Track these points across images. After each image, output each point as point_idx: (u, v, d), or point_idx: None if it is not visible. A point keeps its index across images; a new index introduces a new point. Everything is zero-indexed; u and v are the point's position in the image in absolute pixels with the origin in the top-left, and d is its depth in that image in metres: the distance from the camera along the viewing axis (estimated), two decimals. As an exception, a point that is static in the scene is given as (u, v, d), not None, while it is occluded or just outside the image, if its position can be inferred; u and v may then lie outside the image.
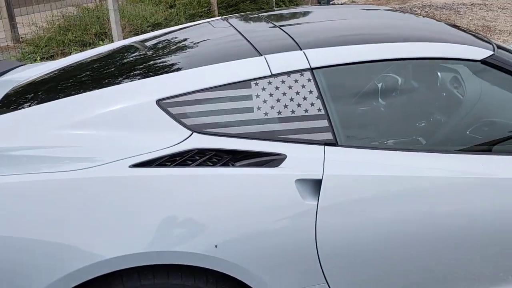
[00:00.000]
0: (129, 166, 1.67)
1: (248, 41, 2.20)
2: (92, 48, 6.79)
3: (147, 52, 2.50)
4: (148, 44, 2.65)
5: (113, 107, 1.84)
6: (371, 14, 2.86)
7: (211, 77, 1.92)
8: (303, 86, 1.91)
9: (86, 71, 2.41)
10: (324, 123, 1.88)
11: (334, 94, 1.95)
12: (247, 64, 1.96)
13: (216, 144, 1.81)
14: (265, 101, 1.88)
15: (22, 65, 2.95)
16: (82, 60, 2.70)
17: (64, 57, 6.88)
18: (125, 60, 2.48)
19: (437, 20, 2.83)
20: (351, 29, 2.34)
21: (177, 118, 1.83)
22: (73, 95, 1.97)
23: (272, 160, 1.81)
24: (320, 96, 1.90)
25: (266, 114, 1.87)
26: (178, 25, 7.52)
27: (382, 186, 1.79)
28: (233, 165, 1.78)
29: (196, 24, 2.97)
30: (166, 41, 2.64)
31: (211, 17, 8.15)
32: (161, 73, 2.03)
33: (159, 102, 1.85)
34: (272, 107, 1.87)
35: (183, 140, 1.80)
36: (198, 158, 1.77)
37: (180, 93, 1.87)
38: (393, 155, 1.87)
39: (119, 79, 2.11)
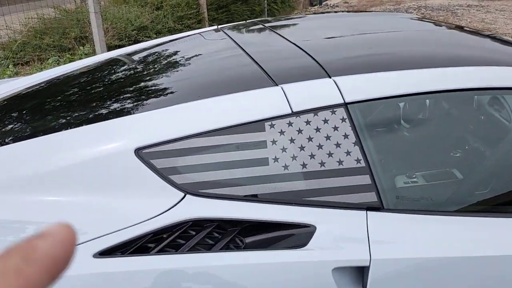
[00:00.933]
0: (93, 255, 1.14)
1: (256, 62, 1.69)
2: (71, 54, 6.23)
3: (128, 74, 1.97)
4: (129, 63, 2.12)
5: (73, 158, 1.31)
6: (408, 24, 2.33)
7: (208, 117, 1.40)
8: (335, 129, 1.40)
9: (45, 99, 1.87)
10: (365, 179, 1.37)
11: (379, 140, 1.45)
12: (258, 97, 1.44)
13: (217, 211, 1.30)
14: (284, 150, 1.37)
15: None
16: (48, 80, 2.16)
17: (41, 63, 6.30)
18: (97, 87, 1.94)
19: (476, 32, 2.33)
20: (396, 45, 1.83)
21: (164, 174, 1.32)
22: (20, 139, 1.43)
23: (296, 234, 1.30)
24: (359, 142, 1.39)
25: (285, 167, 1.36)
26: (165, 28, 6.98)
27: (458, 270, 1.29)
28: (241, 244, 1.27)
29: (188, 36, 2.43)
30: (151, 59, 2.11)
31: (200, 20, 7.61)
32: (143, 110, 1.50)
33: (139, 151, 1.33)
34: (293, 158, 1.36)
35: (173, 206, 1.28)
36: (194, 233, 1.26)
37: (169, 139, 1.35)
38: (466, 223, 1.37)
39: (85, 115, 1.57)
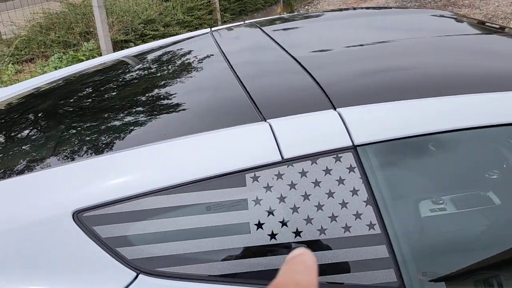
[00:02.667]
0: None
1: (242, 84, 1.33)
2: (75, 50, 5.94)
3: (81, 101, 1.63)
4: (84, 86, 1.77)
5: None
6: (448, 26, 1.88)
7: (170, 167, 1.06)
8: (341, 182, 1.04)
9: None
10: (381, 251, 1.01)
11: (400, 196, 1.09)
12: (238, 138, 1.09)
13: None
14: (271, 212, 1.02)
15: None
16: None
17: (46, 60, 6.04)
18: (39, 119, 1.58)
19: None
20: (435, 58, 1.43)
21: (110, 246, 0.98)
22: None
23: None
24: (372, 200, 1.03)
25: (272, 236, 1.01)
26: (173, 20, 6.59)
27: None
28: None
29: (173, 43, 2.07)
30: (117, 78, 1.76)
31: (211, 10, 7.23)
32: (86, 156, 1.16)
33: (78, 215, 1.00)
34: (283, 223, 1.01)
35: (119, 293, 0.95)
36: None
37: (117, 199, 1.01)
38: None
39: (14, 163, 1.24)
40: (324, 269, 1.00)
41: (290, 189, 1.03)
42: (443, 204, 1.14)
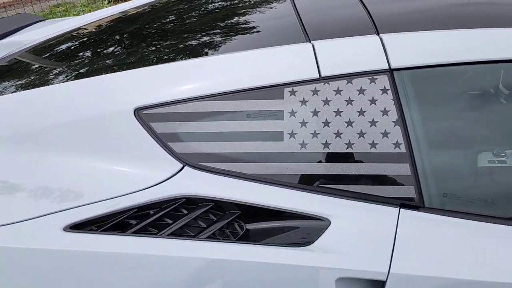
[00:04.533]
0: (63, 228, 1.03)
1: (297, 12, 1.40)
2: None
3: (138, 22, 1.79)
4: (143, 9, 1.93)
5: (66, 115, 1.19)
6: None
7: (219, 77, 1.18)
8: (373, 102, 1.11)
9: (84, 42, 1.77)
10: (404, 168, 1.08)
11: (430, 121, 1.13)
12: (282, 55, 1.19)
13: (217, 188, 1.11)
14: (304, 124, 1.12)
15: (41, 21, 2.40)
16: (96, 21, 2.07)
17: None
18: (100, 35, 1.77)
19: None
20: None
21: (163, 140, 1.15)
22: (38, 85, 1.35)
23: (304, 227, 1.08)
24: (401, 121, 1.09)
25: (303, 145, 1.12)
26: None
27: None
28: (240, 231, 1.08)
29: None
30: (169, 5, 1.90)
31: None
32: (147, 63, 1.32)
33: (138, 112, 1.17)
34: (314, 135, 1.11)
35: (167, 179, 1.12)
36: (183, 213, 1.09)
37: (172, 100, 1.17)
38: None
39: (83, 67, 1.44)
40: (348, 180, 1.10)
41: (324, 105, 1.12)
42: (471, 134, 1.17)
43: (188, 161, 1.15)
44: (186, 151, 1.15)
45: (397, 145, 1.09)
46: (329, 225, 1.06)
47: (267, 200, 1.10)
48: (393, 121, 1.10)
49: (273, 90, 1.14)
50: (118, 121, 1.17)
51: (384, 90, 1.11)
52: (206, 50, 1.34)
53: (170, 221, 1.08)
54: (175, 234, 1.05)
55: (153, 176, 1.13)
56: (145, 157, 1.15)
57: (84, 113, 1.18)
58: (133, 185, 1.11)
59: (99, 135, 1.16)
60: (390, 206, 1.08)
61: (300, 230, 1.09)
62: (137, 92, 1.20)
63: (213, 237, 1.07)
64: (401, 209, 1.08)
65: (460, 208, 1.09)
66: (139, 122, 1.16)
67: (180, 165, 1.14)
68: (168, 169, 1.14)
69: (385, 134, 1.10)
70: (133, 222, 1.07)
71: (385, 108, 1.10)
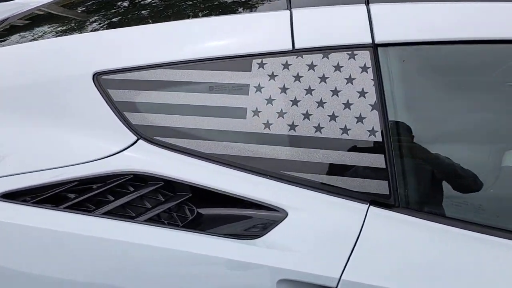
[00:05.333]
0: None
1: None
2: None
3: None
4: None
5: (19, 78, 1.11)
6: None
7: (185, 44, 1.07)
8: (350, 80, 0.96)
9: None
10: (378, 160, 0.94)
11: (412, 106, 0.98)
12: (255, 23, 1.05)
13: (169, 167, 1.01)
14: (270, 101, 0.99)
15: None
16: None
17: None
18: None
19: None
20: None
21: (119, 109, 1.06)
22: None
23: (257, 217, 0.96)
24: (381, 105, 0.94)
25: (267, 125, 0.99)
26: None
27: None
28: (189, 216, 0.98)
29: None
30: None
31: None
32: (110, 26, 1.21)
33: (98, 77, 1.08)
34: (280, 114, 0.98)
35: (119, 152, 1.03)
36: (130, 191, 1.00)
37: (133, 66, 1.07)
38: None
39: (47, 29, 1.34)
40: (314, 168, 0.97)
41: (294, 81, 0.99)
42: (458, 124, 1.00)
43: (143, 134, 1.05)
44: (142, 123, 1.05)
45: (372, 132, 0.94)
46: (285, 217, 0.94)
47: (222, 184, 0.98)
48: (371, 105, 0.95)
49: (240, 61, 1.02)
50: (75, 85, 1.08)
51: (364, 68, 0.96)
52: (172, 15, 1.22)
53: (112, 198, 0.98)
54: (113, 213, 0.96)
55: (104, 147, 1.04)
56: (99, 126, 1.06)
57: (39, 76, 1.10)
58: (80, 156, 1.02)
59: (53, 99, 1.08)
60: (359, 202, 0.94)
61: (253, 221, 0.97)
62: (98, 56, 1.10)
63: (156, 220, 0.97)
64: (370, 207, 0.93)
65: (439, 211, 0.93)
66: (97, 88, 1.07)
67: (134, 138, 1.04)
68: (121, 142, 1.04)
69: (360, 119, 0.95)
70: (72, 196, 0.98)
71: (362, 89, 0.95)
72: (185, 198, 1.00)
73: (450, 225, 0.90)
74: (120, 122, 1.05)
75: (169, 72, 1.04)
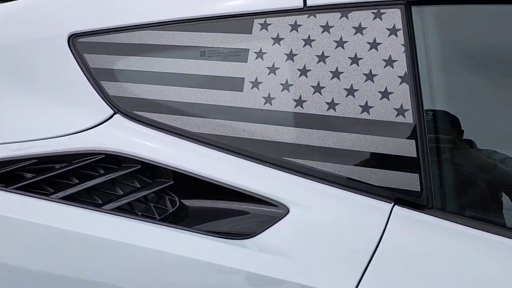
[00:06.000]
0: None
1: None
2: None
3: None
4: None
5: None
6: None
7: (170, 1, 0.89)
8: (374, 45, 0.76)
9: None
10: (409, 146, 0.73)
11: (457, 81, 0.77)
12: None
13: (149, 147, 0.83)
14: (273, 70, 0.80)
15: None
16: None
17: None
18: None
19: None
20: None
21: (95, 77, 0.88)
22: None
23: (252, 213, 0.77)
24: (413, 77, 0.74)
25: (269, 100, 0.80)
26: None
27: None
28: (169, 208, 0.80)
29: None
30: None
31: None
32: None
33: (73, 39, 0.91)
34: (285, 86, 0.79)
35: (90, 128, 0.86)
36: (99, 174, 0.82)
37: (113, 27, 0.89)
38: None
39: None
40: (325, 155, 0.77)
41: (304, 46, 0.79)
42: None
43: (121, 107, 0.87)
44: (120, 94, 0.88)
45: (401, 111, 0.74)
46: (285, 214, 0.74)
47: (211, 170, 0.80)
48: (400, 76, 0.74)
49: (239, 21, 0.83)
50: (48, 48, 0.92)
51: (393, 31, 0.75)
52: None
53: (76, 181, 0.81)
54: (74, 199, 0.78)
55: (73, 121, 0.87)
56: (70, 96, 0.89)
57: (10, 38, 0.94)
58: (44, 130, 0.86)
59: (21, 64, 0.92)
60: (380, 199, 0.74)
61: (246, 217, 0.78)
62: (76, 16, 0.93)
63: (128, 211, 0.79)
64: (395, 206, 0.73)
65: (486, 216, 0.72)
66: (72, 52, 0.90)
67: (110, 112, 0.87)
68: (94, 115, 0.87)
69: (385, 94, 0.75)
70: (28, 176, 0.81)
71: (390, 57, 0.75)
72: (165, 185, 0.82)
73: (503, 235, 0.68)
74: (95, 92, 0.88)
75: (154, 34, 0.87)
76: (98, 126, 0.86)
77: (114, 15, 0.90)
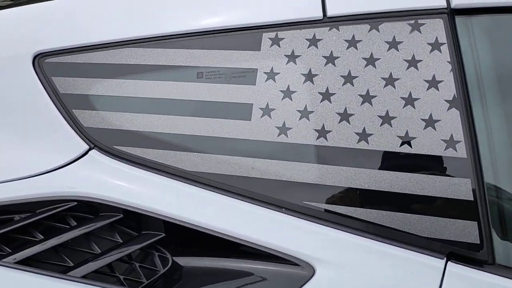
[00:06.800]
0: None
1: None
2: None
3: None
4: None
5: None
6: None
7: (158, 13, 0.74)
8: (413, 63, 0.62)
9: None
10: (463, 187, 0.58)
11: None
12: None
13: (133, 191, 0.66)
14: (289, 94, 0.65)
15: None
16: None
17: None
18: None
19: None
20: None
21: (66, 105, 0.72)
22: None
23: (267, 275, 0.61)
24: (464, 101, 0.60)
25: (284, 130, 0.64)
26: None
27: None
28: (158, 269, 0.63)
29: None
30: None
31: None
32: None
33: (40, 59, 0.75)
34: (305, 114, 0.64)
35: (58, 168, 0.69)
36: (69, 227, 0.65)
37: (88, 45, 0.73)
38: None
39: None
40: (355, 198, 0.62)
41: (326, 64, 0.65)
42: None
43: (97, 141, 0.71)
44: (97, 125, 0.71)
45: (451, 143, 0.60)
46: (310, 276, 0.58)
47: (213, 219, 0.64)
48: (447, 101, 0.60)
49: (244, 36, 0.68)
50: (10, 70, 0.75)
51: (436, 45, 0.62)
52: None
53: (40, 237, 0.63)
54: (37, 261, 0.60)
55: (39, 160, 0.70)
56: (36, 128, 0.73)
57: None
58: (3, 171, 0.68)
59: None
60: (430, 255, 0.59)
61: (259, 280, 0.61)
62: (43, 31, 0.77)
63: (106, 274, 0.61)
64: (448, 263, 0.58)
65: None
66: (37, 74, 0.73)
67: (85, 147, 0.70)
68: (66, 151, 0.71)
69: (430, 123, 0.60)
70: (-23, 232, 0.63)
71: (434, 77, 0.61)
72: (155, 239, 0.65)
73: None
74: (66, 123, 0.71)
75: (139, 52, 0.71)
76: (69, 165, 0.69)
77: (89, 30, 0.74)
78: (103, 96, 0.72)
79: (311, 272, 0.58)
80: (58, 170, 0.69)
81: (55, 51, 0.75)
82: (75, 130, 0.71)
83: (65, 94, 0.73)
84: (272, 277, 0.60)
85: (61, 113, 0.72)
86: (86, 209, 0.67)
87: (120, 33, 0.72)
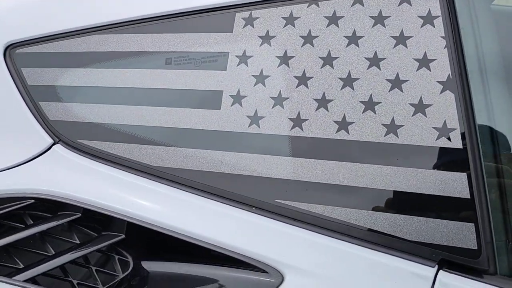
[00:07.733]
0: None
1: None
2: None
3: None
4: None
5: None
6: None
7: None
8: (402, 40, 0.54)
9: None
10: (458, 184, 0.49)
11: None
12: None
13: (95, 189, 0.61)
14: (262, 79, 0.58)
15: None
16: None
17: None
18: None
19: None
20: None
21: (33, 97, 0.68)
22: None
23: (231, 282, 0.54)
24: (461, 78, 0.51)
25: (256, 119, 0.57)
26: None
27: None
28: (117, 274, 0.57)
29: None
30: None
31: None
32: None
33: (11, 50, 0.71)
34: (279, 101, 0.56)
35: (21, 163, 0.64)
36: (22, 226, 0.60)
37: (56, 33, 0.69)
38: None
39: None
40: (335, 195, 0.54)
41: (303, 45, 0.57)
42: None
43: (62, 135, 0.65)
44: (62, 117, 0.66)
45: (444, 132, 0.51)
46: (278, 285, 0.50)
47: (177, 220, 0.57)
48: (440, 82, 0.52)
49: (215, 17, 0.62)
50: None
51: (428, 19, 0.53)
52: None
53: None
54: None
55: (1, 155, 0.65)
56: (4, 124, 0.68)
57: None
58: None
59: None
60: (418, 261, 0.50)
61: (226, 287, 0.54)
62: (16, 21, 0.73)
63: (60, 278, 0.56)
64: (440, 272, 0.49)
65: None
66: (7, 66, 0.70)
67: (49, 141, 0.66)
68: (29, 146, 0.66)
69: (419, 108, 0.52)
70: None
71: (425, 55, 0.53)
72: (114, 240, 0.59)
73: None
74: (33, 118, 0.67)
75: (106, 39, 0.66)
76: (31, 161, 0.65)
77: (57, 17, 0.70)
78: (69, 87, 0.68)
79: (279, 279, 0.51)
80: (18, 167, 0.65)
81: (25, 41, 0.71)
82: (40, 124, 0.67)
83: (32, 85, 0.69)
84: (235, 285, 0.53)
85: (28, 106, 0.68)
86: (46, 207, 0.62)
87: (87, 19, 0.68)
